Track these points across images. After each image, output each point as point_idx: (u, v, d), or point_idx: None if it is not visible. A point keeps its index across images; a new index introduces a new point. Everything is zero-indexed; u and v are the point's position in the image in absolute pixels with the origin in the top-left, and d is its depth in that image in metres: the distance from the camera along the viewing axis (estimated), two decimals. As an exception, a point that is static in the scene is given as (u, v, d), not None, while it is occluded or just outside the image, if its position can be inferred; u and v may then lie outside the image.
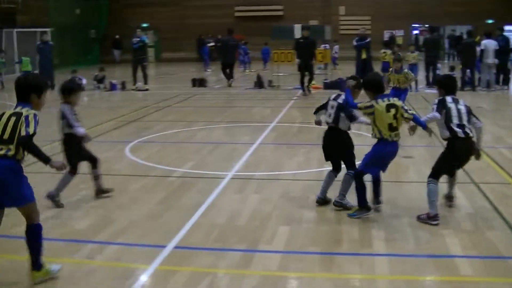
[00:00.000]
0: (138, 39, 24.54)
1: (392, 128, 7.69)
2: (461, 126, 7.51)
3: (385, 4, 41.84)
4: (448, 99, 7.75)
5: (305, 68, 21.72)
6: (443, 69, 27.02)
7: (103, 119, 16.51)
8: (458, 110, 7.62)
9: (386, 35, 39.82)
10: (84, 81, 24.65)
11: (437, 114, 7.67)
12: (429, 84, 23.03)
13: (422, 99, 19.95)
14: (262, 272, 6.17)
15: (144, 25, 43.03)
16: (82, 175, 10.01)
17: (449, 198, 8.32)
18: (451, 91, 7.93)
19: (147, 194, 9.10)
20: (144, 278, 6.09)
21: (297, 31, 24.18)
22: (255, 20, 42.61)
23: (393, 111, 7.66)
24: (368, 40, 23.47)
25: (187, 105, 19.98)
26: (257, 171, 10.46)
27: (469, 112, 7.73)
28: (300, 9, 42.14)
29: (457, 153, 7.62)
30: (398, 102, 7.82)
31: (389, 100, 7.75)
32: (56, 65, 29.71)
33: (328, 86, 23.40)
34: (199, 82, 25.75)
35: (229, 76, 25.38)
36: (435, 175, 7.74)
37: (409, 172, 10.21)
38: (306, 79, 22.00)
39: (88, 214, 8.16)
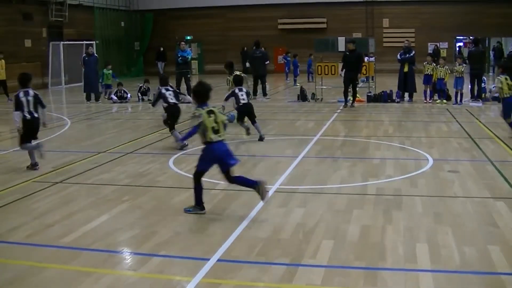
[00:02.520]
0: (182, 54, 24.73)
1: (215, 131, 8.59)
2: None
3: (429, 16, 41.45)
4: None
5: (350, 81, 21.65)
6: (488, 82, 26.70)
7: (147, 131, 16.65)
8: None
9: (430, 48, 39.52)
10: (129, 95, 24.95)
11: None
12: (473, 98, 22.70)
13: (466, 112, 19.70)
14: (305, 286, 6.12)
15: (188, 37, 43.40)
16: (123, 186, 10.16)
17: None
18: None
19: (189, 206, 9.11)
20: (187, 291, 6.09)
21: (341, 44, 24.05)
22: (299, 33, 42.62)
23: (213, 116, 8.63)
24: (412, 54, 23.27)
25: (230, 117, 19.99)
26: (301, 184, 10.39)
27: None
28: (344, 22, 42.05)
29: None
30: (215, 109, 8.84)
31: (208, 107, 8.74)
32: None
33: (371, 99, 23.25)
34: (243, 95, 25.73)
35: (263, 90, 25.68)
36: None
37: (454, 187, 10.05)
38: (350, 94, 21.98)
39: (131, 226, 8.19)
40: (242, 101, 14.99)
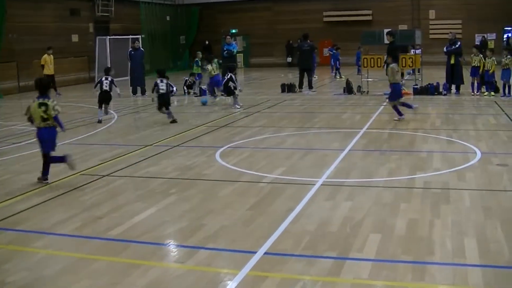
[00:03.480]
0: (227, 48, 24.76)
1: (44, 119, 10.26)
2: None
3: (477, 7, 40.73)
4: None
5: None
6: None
7: (193, 124, 16.74)
8: None
9: (478, 39, 38.87)
10: (175, 89, 25.05)
11: None
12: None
13: (516, 105, 19.39)
14: (352, 280, 6.08)
15: (233, 31, 43.44)
16: (170, 179, 10.24)
17: None
18: None
19: (237, 199, 9.14)
20: (234, 284, 6.07)
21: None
22: (344, 25, 42.37)
23: (43, 107, 10.23)
24: (458, 45, 22.91)
25: (276, 110, 19.99)
26: (348, 177, 10.34)
27: None
28: (389, 14, 41.63)
29: None
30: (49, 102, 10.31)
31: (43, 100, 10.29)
32: (147, 71, 30.36)
33: (418, 91, 22.99)
34: (288, 88, 25.74)
35: (309, 83, 25.57)
36: None
37: (503, 180, 9.88)
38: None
39: (179, 219, 8.24)
40: (161, 91, 17.37)
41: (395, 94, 16.81)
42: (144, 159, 12.20)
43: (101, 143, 14.26)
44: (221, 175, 10.77)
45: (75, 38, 35.90)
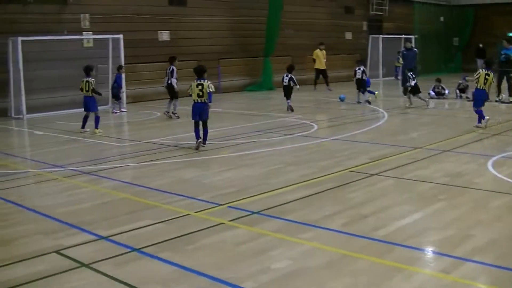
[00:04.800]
0: (505, 52, 23.64)
1: (199, 95, 13.65)
2: None
3: None
4: None
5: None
6: None
7: (464, 130, 16.14)
8: None
9: None
10: (447, 91, 24.55)
11: None
12: None
13: None
14: None
15: (510, 34, 41.40)
16: (439, 185, 9.97)
17: None
18: None
19: (509, 212, 8.65)
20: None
21: None
22: None
23: (200, 87, 13.62)
24: None
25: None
26: None
27: None
28: None
29: None
30: (204, 83, 13.68)
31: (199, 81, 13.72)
32: (419, 72, 30.00)
33: None
34: None
35: None
36: None
37: None
38: None
39: (446, 226, 7.95)
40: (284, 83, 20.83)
41: None
42: (413, 162, 12.01)
43: (370, 142, 14.31)
44: (492, 186, 10.25)
45: (348, 35, 36.54)
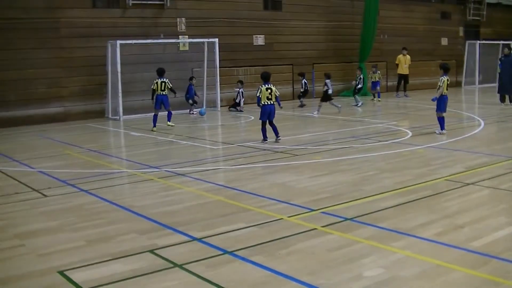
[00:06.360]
0: None
1: (268, 98, 15.52)
2: None
3: None
4: None
5: None
6: None
7: None
8: None
9: None
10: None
11: None
12: None
13: None
14: None
15: None
16: None
17: None
18: None
19: None
20: None
21: None
22: None
23: (269, 90, 15.51)
24: None
25: None
26: None
27: None
28: None
29: None
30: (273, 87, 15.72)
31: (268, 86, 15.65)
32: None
33: None
34: None
35: None
36: None
37: None
38: None
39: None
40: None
41: None
42: (510, 172, 11.73)
43: (466, 150, 14.05)
44: None
45: (444, 41, 35.92)
